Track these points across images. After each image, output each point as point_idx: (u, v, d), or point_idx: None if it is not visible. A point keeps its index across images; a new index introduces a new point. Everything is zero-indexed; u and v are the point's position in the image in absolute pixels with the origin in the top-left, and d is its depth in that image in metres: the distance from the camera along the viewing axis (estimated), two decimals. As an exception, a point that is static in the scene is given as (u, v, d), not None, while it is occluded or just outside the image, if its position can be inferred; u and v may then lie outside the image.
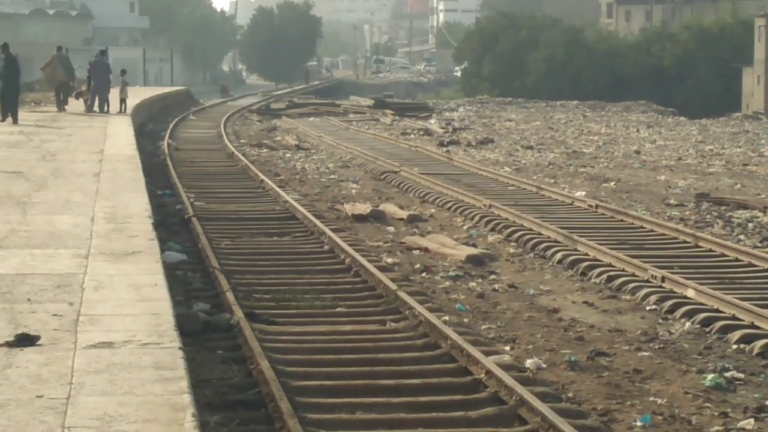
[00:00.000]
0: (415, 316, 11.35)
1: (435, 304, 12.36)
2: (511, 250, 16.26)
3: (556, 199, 21.30)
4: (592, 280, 14.11)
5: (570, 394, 9.33)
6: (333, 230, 16.47)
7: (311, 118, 49.96)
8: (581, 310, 12.62)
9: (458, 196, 21.28)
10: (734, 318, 11.76)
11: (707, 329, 11.58)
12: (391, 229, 18.16)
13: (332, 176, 25.98)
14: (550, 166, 28.70)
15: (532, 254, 15.95)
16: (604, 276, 14.07)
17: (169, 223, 17.19)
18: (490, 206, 19.63)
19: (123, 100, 34.73)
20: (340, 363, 9.92)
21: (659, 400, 9.21)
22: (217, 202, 20.28)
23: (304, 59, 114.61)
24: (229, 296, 11.88)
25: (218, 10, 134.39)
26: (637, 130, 44.27)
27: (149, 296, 9.13)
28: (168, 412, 6.28)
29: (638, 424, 8.61)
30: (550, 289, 13.76)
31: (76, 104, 35.10)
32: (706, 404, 9.16)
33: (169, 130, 36.59)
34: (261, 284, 13.17)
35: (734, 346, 10.99)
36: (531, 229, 17.37)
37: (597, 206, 19.86)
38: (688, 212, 20.21)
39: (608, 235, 16.96)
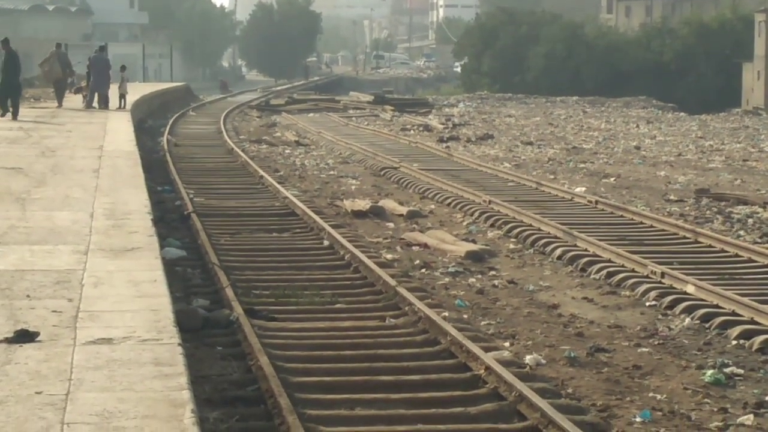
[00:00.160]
0: (415, 312, 11.35)
1: (434, 300, 12.36)
2: (511, 246, 16.26)
3: (556, 195, 21.30)
4: (592, 276, 14.11)
5: (569, 390, 9.32)
6: (332, 226, 16.46)
7: (311, 114, 49.95)
8: (581, 306, 12.61)
9: (458, 192, 21.27)
10: (734, 314, 11.75)
11: (707, 325, 11.58)
12: (390, 225, 18.16)
13: (332, 172, 25.97)
14: (550, 162, 28.70)
15: (531, 250, 15.95)
16: (604, 272, 14.07)
17: (168, 219, 17.18)
18: (490, 202, 19.63)
19: (122, 96, 34.72)
20: (339, 359, 9.91)
21: (659, 396, 9.21)
22: (217, 198, 20.27)
23: (304, 55, 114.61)
24: (229, 292, 11.87)
25: (218, 5, 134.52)
26: (637, 126, 44.26)
27: (148, 292, 9.13)
28: (167, 408, 6.28)
29: (638, 419, 8.61)
30: (550, 285, 13.76)
31: (75, 100, 35.12)
32: (706, 400, 9.16)
33: (168, 126, 36.59)
34: (260, 280, 13.17)
35: (734, 342, 10.99)
36: (531, 225, 17.37)
37: (597, 202, 19.86)
38: (687, 208, 20.21)
39: (608, 231, 16.96)
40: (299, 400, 8.54)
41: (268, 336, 10.45)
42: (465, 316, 11.88)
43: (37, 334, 7.70)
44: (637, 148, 33.61)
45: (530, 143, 34.57)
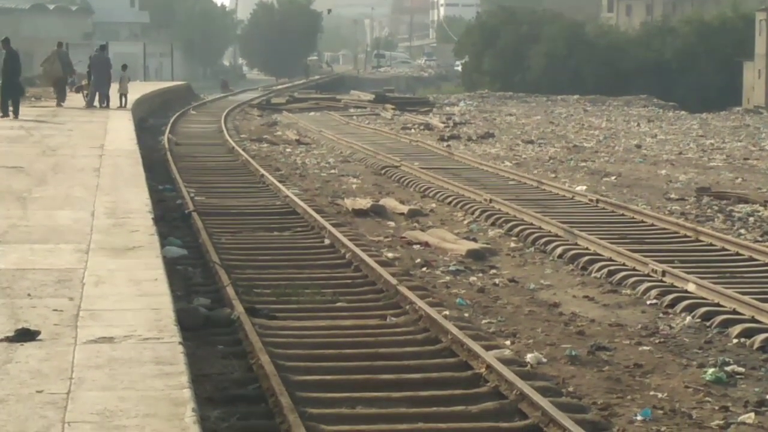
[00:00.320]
0: (416, 310, 11.35)
1: (435, 298, 12.36)
2: (512, 245, 16.26)
3: (557, 194, 21.30)
4: (593, 275, 14.11)
5: (570, 389, 9.32)
6: (333, 225, 16.46)
7: (312, 113, 49.93)
8: (582, 305, 12.61)
9: (459, 191, 21.27)
10: (735, 312, 11.75)
11: (708, 323, 11.58)
12: (391, 223, 18.16)
13: (333, 171, 25.97)
14: (551, 161, 28.69)
15: (532, 249, 15.95)
16: (605, 270, 14.06)
17: (169, 218, 17.18)
18: (491, 201, 19.62)
19: (123, 95, 34.72)
20: (340, 358, 9.91)
21: (660, 395, 9.21)
22: (218, 197, 20.28)
23: (305, 54, 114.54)
24: (230, 291, 11.87)
25: (219, 4, 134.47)
26: (638, 125, 44.25)
27: (149, 291, 9.13)
28: (168, 406, 6.28)
29: (638, 418, 8.61)
30: (551, 283, 13.76)
31: (76, 99, 35.14)
32: (707, 398, 9.16)
33: (169, 125, 36.57)
34: (261, 279, 13.17)
35: (735, 341, 10.99)
36: (531, 224, 17.37)
37: (598, 201, 19.86)
38: (688, 206, 20.21)
39: (609, 230, 16.96)
40: (300, 399, 8.54)
41: (269, 335, 10.45)
42: (466, 315, 11.88)
43: (38, 332, 7.70)
44: (638, 146, 33.60)
45: (531, 142, 34.56)
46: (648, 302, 12.63)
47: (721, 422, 8.58)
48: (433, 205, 20.36)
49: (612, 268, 14.10)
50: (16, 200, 14.15)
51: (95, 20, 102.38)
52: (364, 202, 19.58)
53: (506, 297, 12.93)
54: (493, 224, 17.90)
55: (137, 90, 41.63)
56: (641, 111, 54.69)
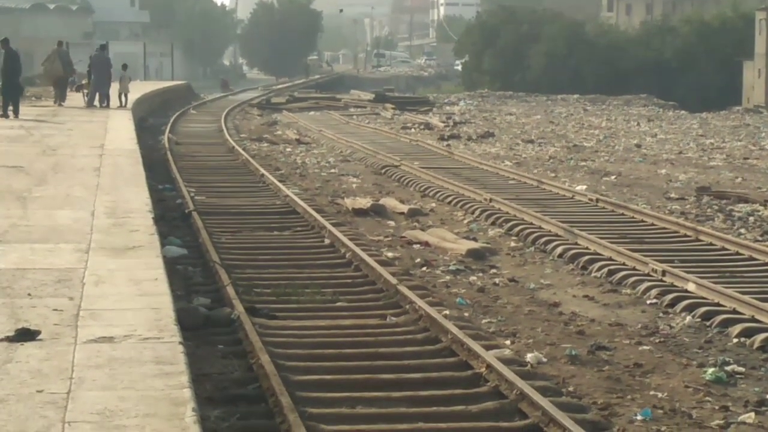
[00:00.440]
0: (416, 310, 11.35)
1: (435, 298, 12.35)
2: (512, 244, 16.26)
3: (557, 193, 21.30)
4: (593, 274, 14.11)
5: (570, 388, 9.32)
6: (333, 224, 16.46)
7: (312, 113, 49.93)
8: (582, 304, 12.61)
9: (459, 190, 21.27)
10: (735, 312, 11.75)
11: (708, 323, 11.58)
12: (391, 223, 18.16)
13: (333, 170, 25.97)
14: (551, 160, 28.69)
15: (532, 248, 15.95)
16: (605, 270, 14.06)
17: (169, 218, 17.18)
18: (491, 200, 19.62)
19: (123, 94, 34.72)
20: (340, 357, 9.91)
21: (660, 394, 9.21)
22: (218, 197, 20.28)
23: (305, 53, 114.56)
24: (230, 291, 11.87)
25: (219, 4, 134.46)
26: (638, 124, 44.24)
27: (150, 291, 9.13)
28: (168, 406, 6.28)
29: (639, 418, 8.61)
30: (551, 283, 13.76)
31: (76, 99, 35.15)
32: (707, 398, 9.16)
33: (169, 125, 36.58)
34: (261, 279, 13.17)
35: (735, 340, 10.99)
36: (532, 223, 17.36)
37: (598, 200, 19.86)
38: (688, 206, 20.21)
39: (609, 229, 16.96)
40: (300, 399, 8.54)
41: (269, 334, 10.45)
42: (466, 315, 11.88)
43: (38, 332, 7.71)
44: (638, 146, 33.60)
45: (531, 141, 34.56)
46: (648, 302, 12.62)
47: (721, 422, 8.58)
48: (433, 204, 20.36)
49: (612, 267, 14.10)
50: (16, 200, 14.15)
51: (95, 20, 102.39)
52: (364, 202, 19.57)
53: (506, 296, 12.93)
54: (493, 224, 17.90)
55: (137, 89, 41.61)
56: (641, 110, 54.69)
